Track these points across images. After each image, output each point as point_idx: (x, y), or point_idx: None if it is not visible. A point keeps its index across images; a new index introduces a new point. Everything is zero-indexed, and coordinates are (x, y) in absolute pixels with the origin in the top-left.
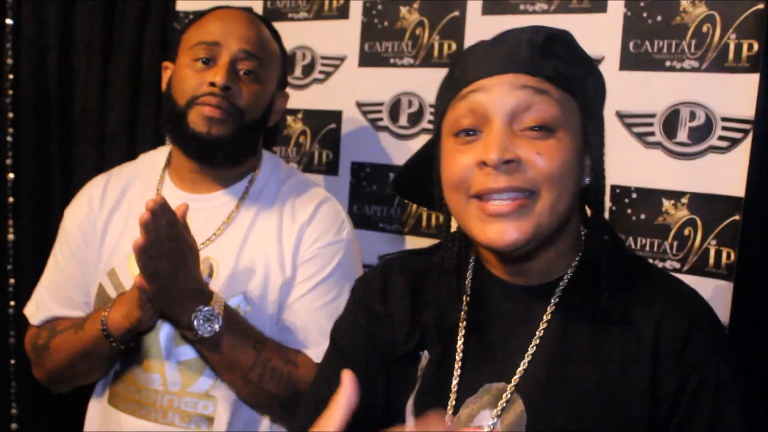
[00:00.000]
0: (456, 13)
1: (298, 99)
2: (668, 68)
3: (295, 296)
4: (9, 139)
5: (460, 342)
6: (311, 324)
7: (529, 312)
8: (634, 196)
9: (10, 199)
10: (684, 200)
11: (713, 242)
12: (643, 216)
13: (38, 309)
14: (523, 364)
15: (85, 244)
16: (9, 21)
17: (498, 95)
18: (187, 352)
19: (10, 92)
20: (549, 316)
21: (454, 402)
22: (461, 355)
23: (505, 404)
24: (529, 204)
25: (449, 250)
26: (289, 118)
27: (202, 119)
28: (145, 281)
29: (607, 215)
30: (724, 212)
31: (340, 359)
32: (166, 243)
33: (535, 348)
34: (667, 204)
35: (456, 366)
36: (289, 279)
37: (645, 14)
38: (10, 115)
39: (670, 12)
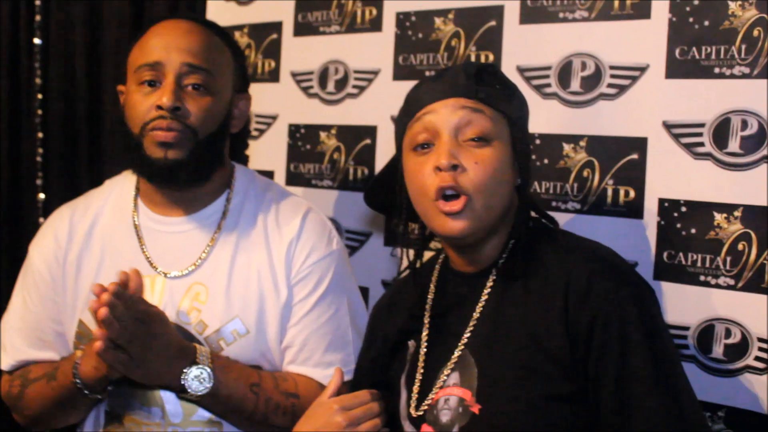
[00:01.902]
0: (493, 23)
1: (331, 114)
2: (717, 75)
3: (296, 318)
4: (39, 159)
5: (425, 326)
6: (314, 343)
7: (478, 289)
8: (683, 209)
9: (41, 219)
10: (737, 213)
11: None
12: (693, 230)
13: (7, 352)
14: (470, 327)
15: (56, 281)
16: (37, 40)
17: (444, 115)
18: None
19: (39, 111)
20: (489, 288)
21: (421, 372)
22: (426, 335)
23: (456, 360)
24: (469, 204)
25: (415, 251)
26: (323, 134)
27: (155, 145)
28: (118, 371)
29: (655, 229)
30: None
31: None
32: (132, 326)
33: (480, 311)
34: (718, 217)
35: (422, 344)
36: (286, 301)
37: (691, 19)
38: (40, 134)
39: (718, 16)
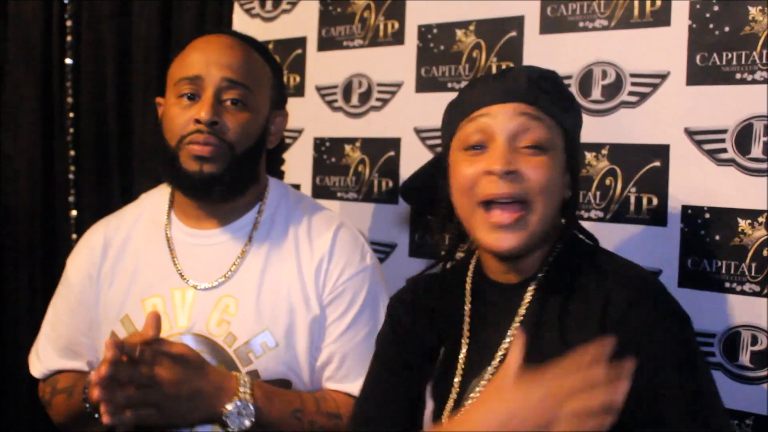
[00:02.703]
0: (513, 34)
1: (355, 127)
2: (738, 81)
3: (333, 335)
4: (71, 176)
5: (465, 337)
6: (353, 360)
7: (516, 301)
8: (707, 216)
9: (74, 236)
10: (761, 219)
11: None
12: (717, 237)
13: (39, 360)
14: (507, 341)
15: (88, 295)
16: (69, 60)
17: (502, 119)
18: None
19: (71, 130)
20: (529, 298)
21: (459, 383)
22: (466, 347)
23: (490, 376)
24: (525, 215)
25: (453, 257)
26: (347, 147)
27: (192, 159)
28: (148, 426)
29: (678, 236)
30: None
31: (380, 364)
32: (145, 380)
33: (516, 327)
34: (743, 224)
35: (461, 356)
36: (318, 317)
37: (711, 25)
38: (72, 152)
39: (739, 22)
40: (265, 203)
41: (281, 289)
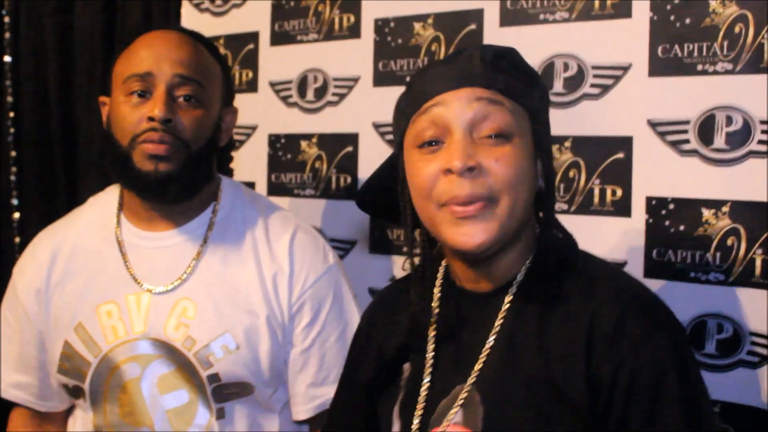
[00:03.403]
0: (473, 27)
1: (311, 123)
2: (700, 72)
3: (307, 341)
4: (13, 178)
5: (430, 352)
6: (331, 360)
7: (489, 314)
8: (671, 207)
9: (17, 239)
10: (725, 209)
11: (759, 252)
12: (682, 227)
13: None
14: (480, 362)
15: (39, 307)
16: (7, 58)
17: (457, 108)
18: (175, 399)
19: (12, 130)
20: (504, 313)
21: (423, 405)
22: (431, 362)
23: (463, 400)
24: (491, 206)
25: (417, 261)
26: (304, 143)
27: (146, 158)
28: None
29: (643, 227)
30: None
31: (345, 386)
32: None
33: (490, 345)
34: (707, 214)
35: (426, 373)
36: (281, 321)
37: (672, 17)
38: (13, 153)
39: (699, 14)
40: (219, 203)
41: (240, 291)
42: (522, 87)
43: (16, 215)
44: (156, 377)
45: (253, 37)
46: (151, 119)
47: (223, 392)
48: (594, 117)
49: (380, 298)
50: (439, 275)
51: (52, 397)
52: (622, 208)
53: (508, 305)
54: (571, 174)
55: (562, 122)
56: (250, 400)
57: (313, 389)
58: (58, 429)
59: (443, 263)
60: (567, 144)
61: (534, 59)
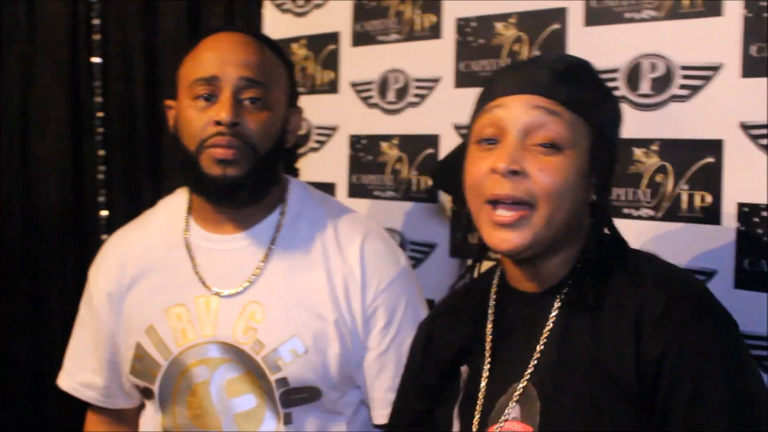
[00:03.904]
0: (556, 26)
1: (393, 124)
2: None
3: (384, 344)
4: (101, 177)
5: (487, 351)
6: (402, 369)
7: (541, 313)
8: (764, 214)
9: (104, 236)
10: None
11: None
12: None
13: (65, 372)
14: (535, 358)
15: (110, 310)
16: (96, 60)
17: (515, 112)
18: (244, 403)
19: (100, 130)
20: (556, 311)
21: (481, 404)
22: (488, 363)
23: (519, 396)
24: (528, 215)
25: (473, 259)
26: (384, 144)
27: (214, 163)
28: None
29: (734, 235)
30: None
31: (405, 389)
32: None
33: (544, 342)
34: None
35: (484, 372)
36: (353, 326)
37: (767, 15)
38: (101, 152)
39: None
40: (287, 205)
41: (309, 295)
42: (588, 101)
43: (104, 213)
44: (224, 381)
45: (335, 37)
46: (218, 123)
47: (290, 397)
48: (683, 119)
49: (440, 303)
50: (496, 279)
51: (120, 395)
52: (712, 215)
53: (559, 303)
54: (658, 179)
55: (649, 125)
56: (317, 405)
57: (391, 393)
58: (131, 429)
59: (500, 267)
60: (654, 147)
61: (620, 59)
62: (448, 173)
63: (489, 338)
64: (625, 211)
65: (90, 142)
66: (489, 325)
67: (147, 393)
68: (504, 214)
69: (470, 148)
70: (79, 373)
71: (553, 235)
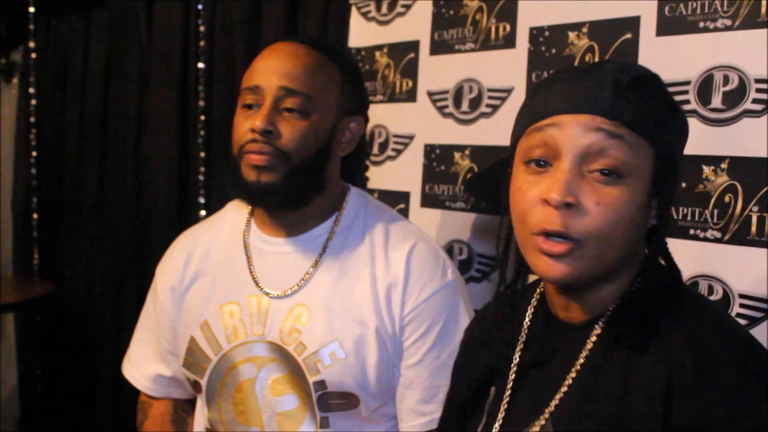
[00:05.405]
0: (628, 36)
1: (465, 134)
2: None
3: (417, 356)
4: (201, 178)
5: (512, 375)
6: (441, 379)
7: (576, 345)
8: None
9: None
10: None
11: None
12: None
13: (129, 362)
14: (560, 392)
15: (173, 303)
16: (201, 65)
17: (572, 134)
18: (286, 402)
19: (202, 133)
20: (591, 346)
21: (497, 430)
22: (510, 386)
23: (539, 429)
24: (577, 250)
25: (513, 278)
26: (457, 155)
27: (250, 168)
28: None
29: None
30: None
31: (447, 401)
32: None
33: (573, 377)
34: None
35: (504, 399)
36: (392, 334)
37: None
38: (202, 154)
39: None
40: (342, 213)
41: (353, 301)
42: (654, 121)
43: (203, 213)
44: (270, 380)
45: (414, 46)
46: (253, 130)
47: (328, 401)
48: (756, 136)
49: (480, 316)
50: (535, 299)
51: (174, 386)
52: None
53: (596, 338)
54: (726, 199)
55: (719, 141)
56: (354, 413)
57: (421, 405)
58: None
59: (540, 287)
60: (723, 165)
61: (692, 71)
62: (484, 180)
63: (515, 363)
64: (691, 232)
65: (195, 145)
66: (518, 349)
67: (196, 386)
68: (554, 244)
69: (517, 165)
70: (143, 365)
71: (605, 268)
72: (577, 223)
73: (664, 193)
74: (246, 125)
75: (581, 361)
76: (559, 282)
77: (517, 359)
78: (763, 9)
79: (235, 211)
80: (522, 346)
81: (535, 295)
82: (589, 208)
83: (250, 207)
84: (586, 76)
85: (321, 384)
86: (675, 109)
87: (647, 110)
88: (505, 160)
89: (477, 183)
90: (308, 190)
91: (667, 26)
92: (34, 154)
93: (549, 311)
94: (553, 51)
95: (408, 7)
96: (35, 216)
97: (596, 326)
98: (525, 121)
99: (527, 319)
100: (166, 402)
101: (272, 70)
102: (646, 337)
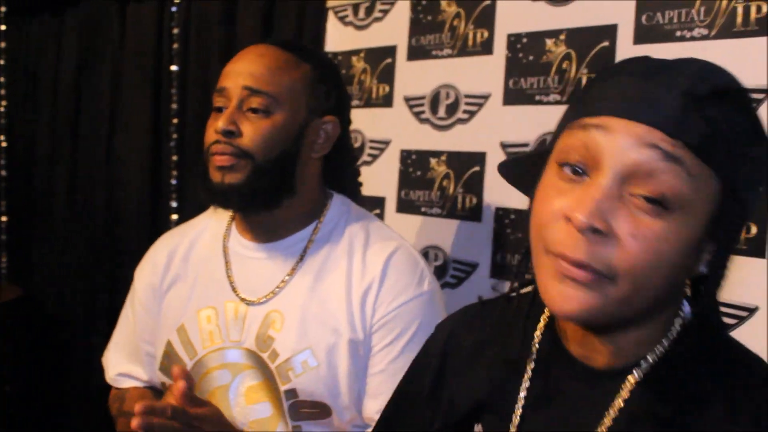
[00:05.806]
0: (606, 43)
1: (441, 140)
2: None
3: (382, 363)
4: (173, 181)
5: (514, 423)
6: None
7: (600, 398)
8: None
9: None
10: None
11: None
12: None
13: (107, 363)
14: None
15: (151, 306)
16: (174, 67)
17: (620, 144)
18: (260, 410)
19: (175, 135)
20: (626, 395)
21: None
22: None
23: None
24: (605, 284)
25: (520, 301)
26: (433, 161)
27: (215, 169)
28: None
29: None
30: None
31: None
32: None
33: None
34: None
35: None
36: (362, 341)
37: None
38: (174, 157)
39: None
40: (323, 221)
41: (328, 308)
42: (728, 148)
43: (174, 217)
44: (245, 387)
45: (391, 51)
46: (216, 132)
47: (299, 410)
48: None
49: (463, 321)
50: (543, 321)
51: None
52: None
53: (631, 390)
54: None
55: None
56: (327, 423)
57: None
58: None
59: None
60: None
61: None
62: (517, 166)
63: (521, 403)
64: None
65: (167, 148)
66: (524, 387)
67: None
68: (573, 271)
69: (550, 165)
70: (119, 364)
71: (635, 312)
72: (606, 255)
73: (724, 240)
74: (213, 127)
75: (612, 415)
76: (573, 318)
77: (522, 401)
78: (739, 19)
79: (217, 215)
80: (528, 386)
81: (543, 317)
82: (623, 239)
83: (231, 211)
84: (657, 76)
85: (292, 393)
86: (761, 135)
87: (722, 132)
88: (545, 151)
89: (513, 168)
90: (275, 191)
91: (645, 35)
92: (3, 155)
93: (559, 342)
94: (531, 58)
95: (385, 12)
96: (4, 219)
97: (627, 379)
98: (573, 111)
99: (533, 351)
100: (142, 388)
101: (238, 71)
102: (692, 400)
